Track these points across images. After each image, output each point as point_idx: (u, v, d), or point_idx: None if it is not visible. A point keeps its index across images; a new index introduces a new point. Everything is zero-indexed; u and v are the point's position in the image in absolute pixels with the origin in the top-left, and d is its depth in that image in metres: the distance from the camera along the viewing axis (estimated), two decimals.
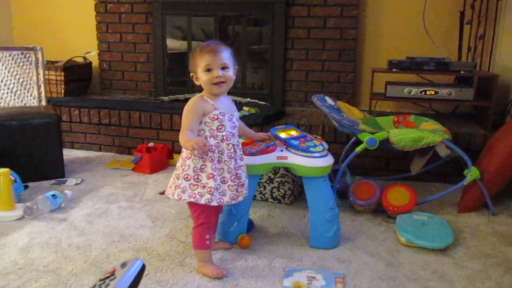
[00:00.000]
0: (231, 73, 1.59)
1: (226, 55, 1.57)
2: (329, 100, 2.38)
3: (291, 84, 3.32)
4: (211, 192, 1.55)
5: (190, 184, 1.57)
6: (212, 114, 1.56)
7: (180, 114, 2.96)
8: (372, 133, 2.20)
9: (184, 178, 1.58)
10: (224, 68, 1.56)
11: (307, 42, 3.22)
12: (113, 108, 3.15)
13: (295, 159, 1.81)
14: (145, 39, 3.54)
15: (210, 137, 1.57)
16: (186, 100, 3.30)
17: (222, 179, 1.59)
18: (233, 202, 1.62)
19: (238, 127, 1.67)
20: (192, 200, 1.57)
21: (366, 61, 3.26)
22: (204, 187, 1.56)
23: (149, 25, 3.50)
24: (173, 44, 3.53)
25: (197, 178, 1.57)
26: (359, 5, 3.12)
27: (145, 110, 3.10)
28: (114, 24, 3.57)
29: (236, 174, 1.62)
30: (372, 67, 3.00)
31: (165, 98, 3.39)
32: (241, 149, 1.68)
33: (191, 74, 1.62)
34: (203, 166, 1.57)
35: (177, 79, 3.56)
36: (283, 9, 3.18)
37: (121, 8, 3.53)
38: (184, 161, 1.60)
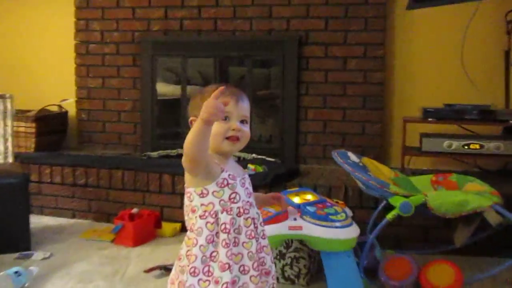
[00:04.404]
0: (248, 129, 1.49)
1: (247, 106, 1.49)
2: (353, 156, 2.38)
3: (306, 136, 3.35)
4: None
5: (199, 280, 1.40)
6: (220, 178, 1.42)
7: (171, 174, 3.00)
8: (406, 197, 2.19)
9: (190, 273, 1.40)
10: (243, 121, 1.47)
11: (324, 87, 3.29)
12: (90, 166, 3.18)
13: (311, 230, 1.79)
14: (131, 84, 3.63)
15: (222, 212, 1.42)
16: (179, 156, 3.36)
17: (241, 269, 1.43)
18: None
19: (252, 194, 1.53)
20: None
21: (396, 109, 3.30)
22: (217, 282, 1.39)
23: (136, 68, 3.60)
24: (165, 89, 3.61)
25: (208, 271, 1.40)
26: (385, 44, 3.20)
27: (129, 168, 3.12)
28: (96, 67, 3.69)
29: (259, 259, 1.46)
30: (404, 116, 3.03)
31: (154, 154, 3.42)
32: (262, 224, 1.52)
33: (191, 119, 1.48)
34: (214, 253, 1.41)
35: (169, 131, 3.61)
36: (295, 48, 3.27)
37: (105, 49, 3.66)
38: (190, 249, 1.42)
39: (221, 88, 1.33)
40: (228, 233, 1.41)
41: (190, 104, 1.52)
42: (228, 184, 1.43)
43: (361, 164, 2.37)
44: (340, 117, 3.28)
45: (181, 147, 3.60)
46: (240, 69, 3.50)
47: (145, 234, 2.82)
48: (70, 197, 3.22)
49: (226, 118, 1.44)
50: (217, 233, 1.41)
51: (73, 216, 3.23)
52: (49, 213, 3.26)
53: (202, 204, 1.42)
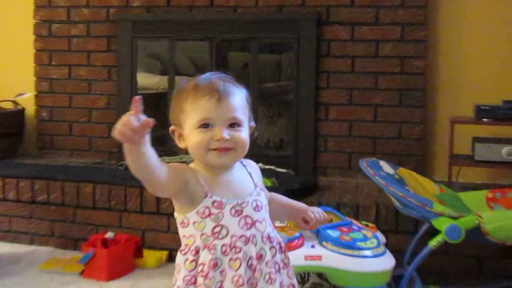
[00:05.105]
0: (244, 133, 1.41)
1: (238, 102, 1.41)
2: (386, 167, 2.38)
3: (327, 141, 3.35)
4: None
5: None
6: (201, 206, 1.36)
7: None
8: (454, 218, 2.19)
9: None
10: (233, 124, 1.38)
11: (350, 78, 3.29)
12: (53, 178, 3.18)
13: (334, 260, 1.79)
14: (105, 75, 3.65)
15: (203, 249, 1.36)
16: None
17: None
18: None
19: (265, 220, 1.44)
20: None
21: (442, 107, 3.30)
22: None
23: (112, 54, 3.62)
24: (148, 80, 3.63)
25: None
26: (428, 24, 3.20)
27: (102, 181, 3.13)
28: (61, 53, 3.71)
29: None
30: (451, 116, 3.02)
31: None
32: (275, 263, 1.42)
33: (171, 128, 1.46)
34: None
35: (152, 134, 3.58)
36: (313, 29, 3.28)
37: (72, 30, 3.67)
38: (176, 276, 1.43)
39: (136, 98, 1.21)
40: (205, 277, 1.35)
41: (170, 106, 1.47)
42: (210, 214, 1.36)
43: (397, 176, 2.37)
44: (371, 117, 3.28)
45: (168, 155, 3.61)
46: (243, 55, 3.51)
47: (122, 265, 2.82)
48: (28, 217, 3.23)
49: (207, 126, 1.36)
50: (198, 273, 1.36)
51: (32, 242, 3.24)
52: (1, 238, 3.27)
53: (183, 236, 1.40)
